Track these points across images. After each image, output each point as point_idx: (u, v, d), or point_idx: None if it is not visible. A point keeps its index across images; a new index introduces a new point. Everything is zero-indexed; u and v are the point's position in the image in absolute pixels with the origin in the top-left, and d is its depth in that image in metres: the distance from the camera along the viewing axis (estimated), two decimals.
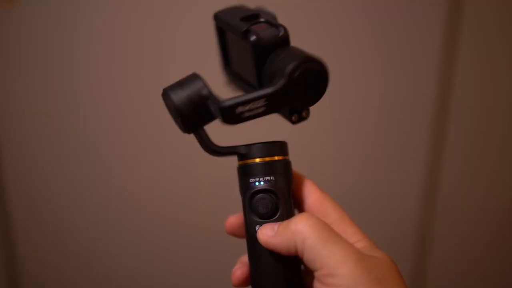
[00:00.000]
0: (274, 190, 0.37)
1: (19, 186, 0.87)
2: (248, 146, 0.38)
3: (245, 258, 0.40)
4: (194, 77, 0.36)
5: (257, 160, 0.37)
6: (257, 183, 0.37)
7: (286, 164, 0.38)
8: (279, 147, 0.38)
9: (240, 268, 0.40)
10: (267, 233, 0.36)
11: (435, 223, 0.98)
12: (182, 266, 0.94)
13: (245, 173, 0.38)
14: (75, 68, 0.81)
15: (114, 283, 0.94)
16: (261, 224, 0.37)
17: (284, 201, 0.37)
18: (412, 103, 0.90)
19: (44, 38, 0.79)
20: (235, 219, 0.42)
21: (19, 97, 0.82)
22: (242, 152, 0.38)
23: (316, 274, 0.33)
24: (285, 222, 0.36)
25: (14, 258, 0.91)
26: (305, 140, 0.80)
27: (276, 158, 0.37)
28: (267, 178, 0.37)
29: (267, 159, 0.37)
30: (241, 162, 0.38)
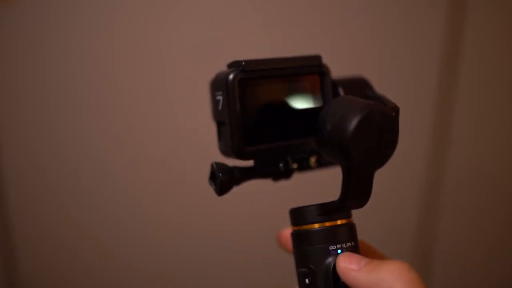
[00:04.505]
0: None
1: (19, 186, 0.87)
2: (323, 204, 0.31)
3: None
4: None
5: (340, 222, 0.32)
6: (340, 251, 0.31)
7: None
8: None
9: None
10: (351, 265, 0.31)
11: (436, 224, 0.98)
12: (183, 266, 0.94)
13: (323, 238, 0.32)
14: (76, 67, 0.81)
15: (115, 283, 0.94)
16: None
17: None
18: (412, 103, 0.90)
19: (44, 37, 0.79)
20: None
21: (19, 97, 0.82)
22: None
23: None
24: (375, 262, 0.31)
25: (14, 258, 0.91)
26: None
27: (350, 220, 0.33)
28: (350, 244, 0.32)
29: (345, 221, 0.32)
30: (309, 227, 0.32)
